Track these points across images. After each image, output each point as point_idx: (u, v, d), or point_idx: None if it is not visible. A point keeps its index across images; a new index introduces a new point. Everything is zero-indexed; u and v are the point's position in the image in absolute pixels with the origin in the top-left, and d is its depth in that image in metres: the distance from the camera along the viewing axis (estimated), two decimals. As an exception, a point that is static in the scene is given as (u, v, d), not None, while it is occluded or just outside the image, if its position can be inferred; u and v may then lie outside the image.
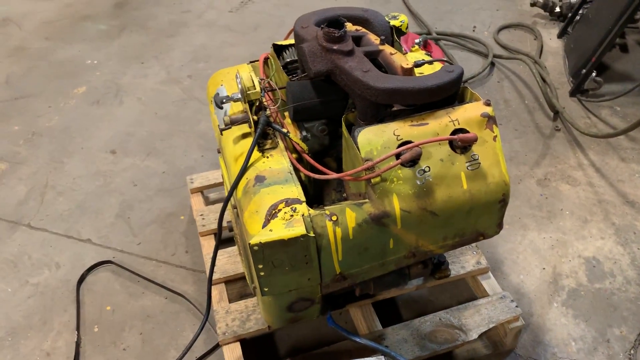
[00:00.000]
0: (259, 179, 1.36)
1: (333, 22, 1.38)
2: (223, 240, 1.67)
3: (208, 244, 2.10)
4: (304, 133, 1.48)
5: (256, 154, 1.43)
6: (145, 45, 3.58)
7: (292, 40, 1.65)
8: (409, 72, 1.36)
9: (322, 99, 1.45)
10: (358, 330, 1.83)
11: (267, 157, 1.41)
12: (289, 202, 1.30)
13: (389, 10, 3.11)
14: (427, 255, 1.46)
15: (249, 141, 1.44)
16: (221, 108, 1.53)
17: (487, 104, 1.38)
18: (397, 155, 1.28)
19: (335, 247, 1.31)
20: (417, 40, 1.64)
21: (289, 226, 1.26)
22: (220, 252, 1.97)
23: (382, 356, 1.49)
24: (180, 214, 2.42)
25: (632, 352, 1.91)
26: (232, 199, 1.49)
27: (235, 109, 1.55)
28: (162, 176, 2.62)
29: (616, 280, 2.14)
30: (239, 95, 1.41)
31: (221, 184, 2.32)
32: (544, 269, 2.18)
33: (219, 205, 2.20)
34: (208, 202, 2.36)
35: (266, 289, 1.35)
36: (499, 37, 3.54)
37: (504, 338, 1.87)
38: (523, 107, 3.02)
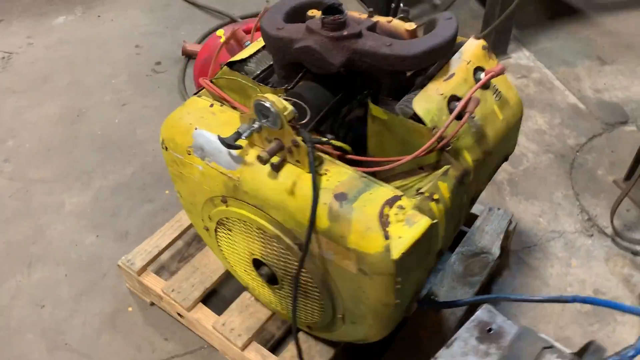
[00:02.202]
0: (341, 198, 1.21)
1: (330, 9, 1.26)
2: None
3: (204, 315, 1.80)
4: (329, 135, 1.35)
5: (309, 176, 1.26)
6: None
7: (243, 54, 1.45)
8: (414, 33, 1.34)
9: (337, 95, 1.35)
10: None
11: (325, 174, 1.25)
12: (390, 203, 1.19)
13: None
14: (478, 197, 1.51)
15: (287, 171, 1.26)
16: (237, 147, 1.29)
17: (478, 37, 1.44)
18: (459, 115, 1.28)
19: (441, 225, 1.27)
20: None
21: (411, 224, 1.16)
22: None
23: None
24: (124, 308, 2.01)
25: (578, 204, 2.30)
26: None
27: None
28: (66, 279, 2.11)
29: (529, 159, 2.50)
30: (265, 123, 1.21)
31: (166, 248, 1.98)
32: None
33: (187, 271, 1.89)
34: (169, 273, 2.01)
35: (398, 301, 1.25)
36: None
37: (506, 241, 2.05)
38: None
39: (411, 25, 1.33)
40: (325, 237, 1.23)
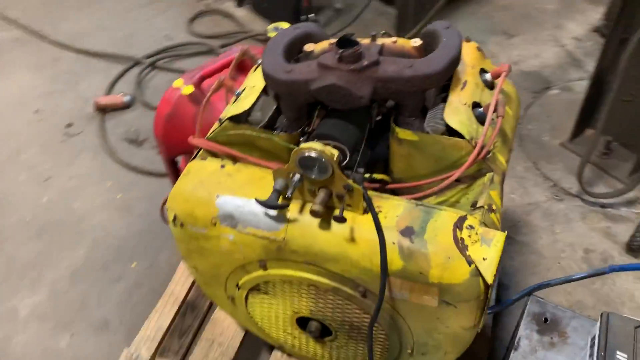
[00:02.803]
0: (408, 232, 1.14)
1: (345, 42, 1.18)
2: None
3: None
4: (361, 169, 1.28)
5: (364, 218, 1.17)
6: None
7: (245, 105, 1.31)
8: (421, 49, 1.30)
9: (361, 127, 1.28)
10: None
11: (380, 211, 1.18)
12: (459, 226, 1.14)
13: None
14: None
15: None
16: (283, 207, 1.17)
17: (468, 39, 1.44)
18: (481, 118, 1.26)
19: (500, 232, 1.25)
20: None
21: (489, 243, 1.12)
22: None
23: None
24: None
25: (540, 173, 2.42)
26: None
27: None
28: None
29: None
30: (310, 174, 1.11)
31: (169, 328, 1.78)
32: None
33: (204, 347, 1.71)
34: (174, 354, 1.80)
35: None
36: (194, 28, 3.45)
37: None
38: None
39: (416, 42, 1.29)
40: (399, 278, 1.16)
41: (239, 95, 1.38)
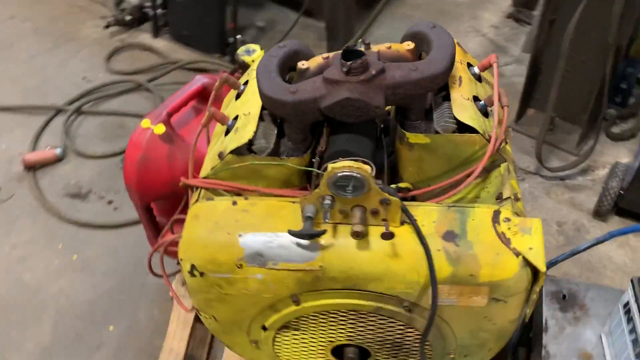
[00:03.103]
0: (451, 237, 1.11)
1: (350, 53, 1.13)
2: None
3: None
4: (379, 181, 1.24)
5: (402, 230, 1.13)
6: None
7: (245, 135, 1.22)
8: (414, 52, 1.29)
9: (371, 138, 1.25)
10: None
11: (417, 220, 1.14)
12: (497, 220, 1.13)
13: None
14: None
15: (375, 235, 1.11)
16: (321, 234, 1.09)
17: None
18: (483, 111, 1.27)
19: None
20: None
21: (529, 231, 1.12)
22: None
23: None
24: None
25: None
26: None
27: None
28: None
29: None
30: (344, 194, 1.06)
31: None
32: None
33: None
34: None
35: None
36: (114, 66, 3.25)
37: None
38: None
39: (410, 45, 1.27)
40: (447, 284, 1.12)
41: (232, 126, 1.29)
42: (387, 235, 1.07)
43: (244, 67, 1.49)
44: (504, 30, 3.28)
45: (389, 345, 1.31)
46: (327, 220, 1.07)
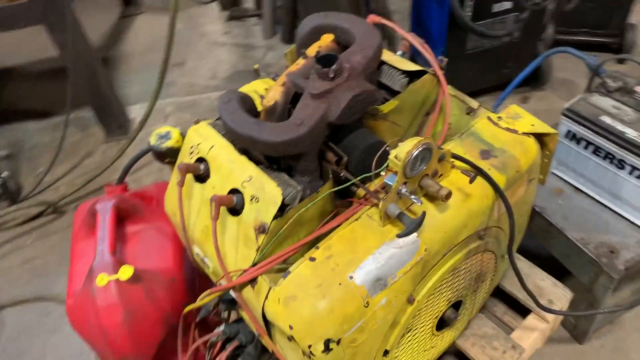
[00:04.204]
0: (486, 154, 1.23)
1: (326, 59, 1.11)
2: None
3: None
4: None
5: (453, 174, 1.20)
6: None
7: (277, 203, 1.11)
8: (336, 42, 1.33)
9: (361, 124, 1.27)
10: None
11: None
12: (495, 123, 1.30)
13: None
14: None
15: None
16: (422, 220, 1.07)
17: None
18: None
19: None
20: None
21: (518, 117, 1.31)
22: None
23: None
24: None
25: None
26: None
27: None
28: None
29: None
30: (416, 171, 1.08)
31: None
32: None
33: None
34: None
35: (541, 176, 1.42)
36: None
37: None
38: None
39: (330, 36, 1.30)
40: (507, 191, 1.25)
41: (240, 200, 1.15)
42: (448, 195, 1.09)
43: (170, 154, 1.32)
44: (236, 32, 3.43)
45: (473, 284, 1.40)
46: (420, 203, 1.08)
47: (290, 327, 1.05)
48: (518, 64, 2.45)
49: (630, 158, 1.47)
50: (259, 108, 1.24)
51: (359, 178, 1.15)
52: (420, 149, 1.04)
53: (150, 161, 2.12)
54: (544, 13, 2.37)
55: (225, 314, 1.38)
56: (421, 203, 1.08)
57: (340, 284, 1.06)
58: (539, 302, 1.44)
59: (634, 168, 1.48)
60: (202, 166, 1.24)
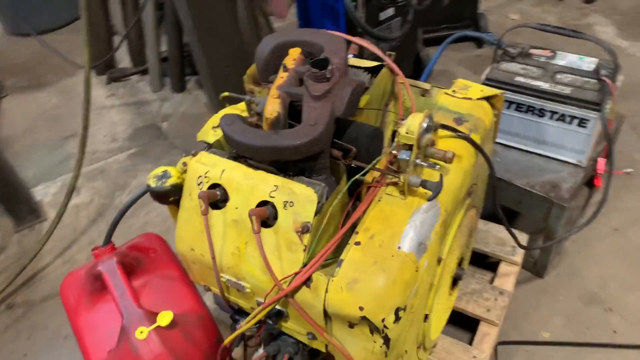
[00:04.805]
0: (460, 120, 1.41)
1: (319, 62, 1.21)
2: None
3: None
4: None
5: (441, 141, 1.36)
6: None
7: (313, 206, 1.16)
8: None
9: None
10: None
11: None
12: (452, 95, 1.49)
13: None
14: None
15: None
16: (442, 183, 1.20)
17: None
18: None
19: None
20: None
21: (468, 87, 1.52)
22: None
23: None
24: None
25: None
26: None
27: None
28: None
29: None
30: (426, 136, 1.22)
31: None
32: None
33: None
34: None
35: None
36: None
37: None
38: None
39: (298, 49, 1.40)
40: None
41: (272, 211, 1.19)
42: (452, 156, 1.26)
43: (174, 191, 1.31)
44: (122, 92, 3.35)
45: (467, 240, 1.56)
46: (437, 168, 1.22)
47: (361, 308, 1.11)
48: (407, 63, 2.77)
49: (549, 105, 1.76)
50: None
51: (373, 163, 1.25)
52: (427, 120, 1.18)
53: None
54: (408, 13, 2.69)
55: (264, 334, 1.38)
56: (438, 168, 1.22)
57: (392, 255, 1.15)
58: (520, 243, 1.65)
59: (553, 112, 1.77)
60: (218, 192, 1.25)
